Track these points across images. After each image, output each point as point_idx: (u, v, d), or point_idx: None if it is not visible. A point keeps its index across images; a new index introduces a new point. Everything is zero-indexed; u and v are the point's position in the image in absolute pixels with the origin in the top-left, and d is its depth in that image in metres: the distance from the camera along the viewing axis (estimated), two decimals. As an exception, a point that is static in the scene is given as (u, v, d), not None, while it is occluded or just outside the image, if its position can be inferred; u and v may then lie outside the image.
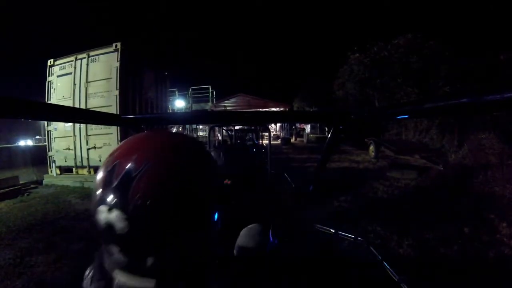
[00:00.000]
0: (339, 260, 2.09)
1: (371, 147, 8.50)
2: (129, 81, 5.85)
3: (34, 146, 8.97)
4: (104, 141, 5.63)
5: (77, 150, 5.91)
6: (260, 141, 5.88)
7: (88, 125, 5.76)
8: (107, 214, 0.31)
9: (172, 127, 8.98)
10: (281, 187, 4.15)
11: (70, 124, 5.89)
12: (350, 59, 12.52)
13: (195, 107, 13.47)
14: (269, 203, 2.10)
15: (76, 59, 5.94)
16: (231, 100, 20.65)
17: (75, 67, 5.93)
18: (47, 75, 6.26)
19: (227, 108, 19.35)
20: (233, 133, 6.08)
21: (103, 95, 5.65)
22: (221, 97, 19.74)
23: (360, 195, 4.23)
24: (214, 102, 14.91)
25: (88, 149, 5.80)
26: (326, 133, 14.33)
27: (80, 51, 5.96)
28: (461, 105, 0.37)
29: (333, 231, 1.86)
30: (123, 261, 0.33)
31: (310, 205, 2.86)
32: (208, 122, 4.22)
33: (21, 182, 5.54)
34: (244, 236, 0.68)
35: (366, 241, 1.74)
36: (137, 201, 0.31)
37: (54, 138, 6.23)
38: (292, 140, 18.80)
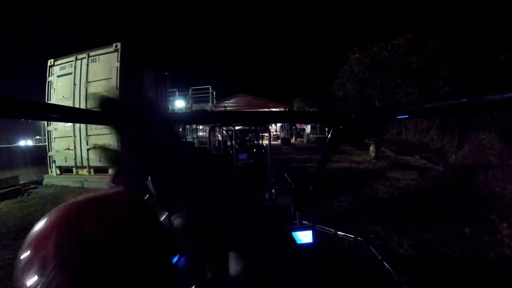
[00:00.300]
0: (339, 260, 2.09)
1: (371, 147, 8.50)
2: (129, 81, 5.86)
3: (34, 146, 8.98)
4: (104, 141, 5.62)
5: (77, 150, 5.92)
6: (260, 141, 5.88)
7: (88, 125, 5.77)
8: None
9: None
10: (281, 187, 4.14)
11: (70, 124, 5.90)
12: (350, 59, 12.51)
13: (195, 107, 13.45)
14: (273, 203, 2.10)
15: (76, 59, 5.96)
16: (231, 100, 20.64)
17: (75, 67, 5.94)
18: (47, 75, 6.28)
19: (227, 108, 19.33)
20: (233, 133, 6.04)
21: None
22: (221, 97, 19.75)
23: (360, 195, 4.23)
24: (214, 102, 14.89)
25: (88, 149, 5.82)
26: (326, 133, 14.31)
27: (80, 51, 5.98)
28: (461, 105, 0.37)
29: (333, 231, 1.86)
30: None
31: (310, 205, 2.86)
32: (208, 122, 4.21)
33: (21, 182, 5.55)
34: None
35: (366, 241, 1.74)
36: None
37: (54, 138, 6.24)
38: (292, 140, 18.82)
